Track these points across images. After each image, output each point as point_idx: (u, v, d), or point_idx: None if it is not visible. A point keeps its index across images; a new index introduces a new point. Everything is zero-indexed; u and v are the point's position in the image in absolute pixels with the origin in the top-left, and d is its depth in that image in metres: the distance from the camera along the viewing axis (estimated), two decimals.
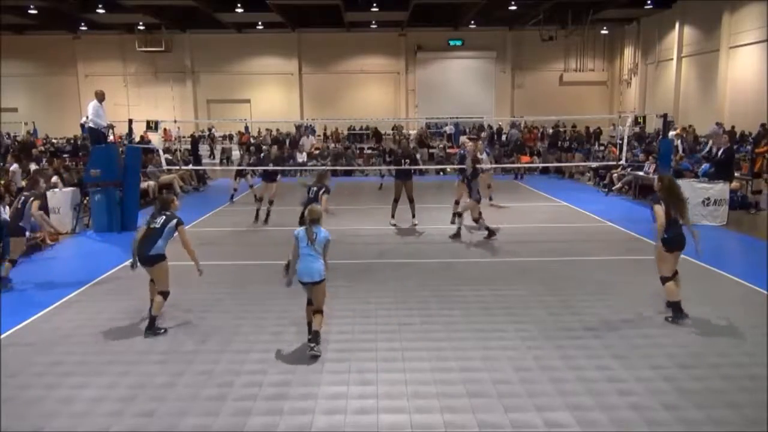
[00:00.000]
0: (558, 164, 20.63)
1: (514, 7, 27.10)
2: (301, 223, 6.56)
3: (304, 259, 5.58)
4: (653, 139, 20.51)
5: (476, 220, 10.52)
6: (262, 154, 14.38)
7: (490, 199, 13.71)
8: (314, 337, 5.61)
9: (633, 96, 31.77)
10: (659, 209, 6.24)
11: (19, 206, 7.97)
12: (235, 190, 14.92)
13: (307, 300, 5.79)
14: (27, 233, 8.11)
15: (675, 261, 6.36)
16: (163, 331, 6.24)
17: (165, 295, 6.40)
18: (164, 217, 6.40)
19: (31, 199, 7.88)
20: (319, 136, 28.56)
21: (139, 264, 6.43)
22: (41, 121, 31.57)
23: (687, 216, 6.29)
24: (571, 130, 26.59)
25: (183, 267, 9.13)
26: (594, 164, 18.53)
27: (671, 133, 20.56)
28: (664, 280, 6.36)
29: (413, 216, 11.82)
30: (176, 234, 6.44)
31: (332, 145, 26.48)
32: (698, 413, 4.48)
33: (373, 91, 34.20)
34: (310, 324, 5.75)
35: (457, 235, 10.67)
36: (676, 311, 6.31)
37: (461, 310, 6.84)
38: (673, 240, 6.24)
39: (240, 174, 14.47)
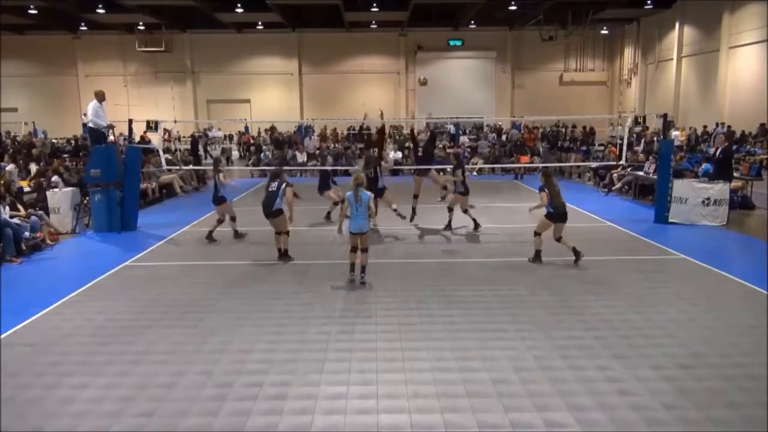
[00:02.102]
0: (558, 164, 20.64)
1: (514, 7, 27.11)
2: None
3: (355, 217, 7.68)
4: (653, 140, 20.53)
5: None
6: (261, 155, 14.16)
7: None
8: (362, 269, 7.83)
9: (633, 96, 31.78)
10: (544, 195, 8.73)
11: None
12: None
13: (351, 248, 7.86)
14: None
15: (557, 229, 8.81)
16: (293, 259, 9.10)
17: (287, 233, 9.15)
18: (277, 182, 8.93)
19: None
20: (318, 136, 28.50)
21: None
22: (41, 121, 31.54)
23: (560, 199, 8.78)
24: (570, 130, 26.57)
25: (184, 267, 9.17)
26: (594, 164, 18.53)
27: (675, 133, 20.63)
28: (536, 234, 8.97)
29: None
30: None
31: (332, 145, 26.45)
32: (698, 413, 4.48)
33: (373, 91, 34.20)
34: (352, 264, 7.86)
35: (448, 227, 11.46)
36: (536, 257, 8.95)
37: (461, 310, 6.84)
38: (555, 214, 8.75)
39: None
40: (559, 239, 8.88)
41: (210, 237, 10.66)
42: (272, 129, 28.67)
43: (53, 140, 27.99)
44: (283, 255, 9.14)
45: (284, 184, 8.95)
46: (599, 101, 33.98)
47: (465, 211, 11.40)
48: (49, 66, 33.52)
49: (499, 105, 33.65)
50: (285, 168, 14.38)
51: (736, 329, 6.17)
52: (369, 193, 7.82)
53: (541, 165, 21.00)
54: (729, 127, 21.49)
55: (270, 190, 8.93)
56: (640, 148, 13.69)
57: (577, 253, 8.78)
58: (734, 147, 17.52)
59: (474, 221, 11.40)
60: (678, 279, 8.15)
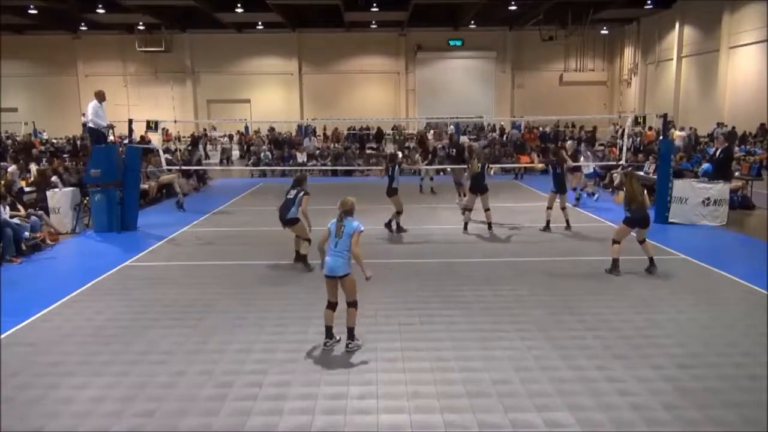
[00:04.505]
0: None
1: (514, 7, 27.11)
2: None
3: (330, 253, 5.71)
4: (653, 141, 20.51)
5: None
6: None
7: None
8: (349, 333, 5.73)
9: (633, 96, 31.79)
10: (621, 194, 8.49)
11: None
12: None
13: (327, 303, 5.78)
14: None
15: (639, 234, 8.37)
16: (312, 268, 8.32)
17: (309, 241, 8.53)
18: (296, 190, 8.59)
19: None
20: (318, 135, 28.55)
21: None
22: (41, 121, 31.57)
23: (642, 201, 8.19)
24: (570, 130, 26.55)
25: (184, 267, 9.17)
26: (594, 164, 18.49)
27: (680, 133, 20.61)
28: (614, 242, 8.41)
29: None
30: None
31: (332, 145, 26.48)
32: (698, 413, 4.48)
33: (373, 91, 34.20)
34: (328, 327, 5.80)
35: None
36: (613, 266, 8.29)
37: (461, 310, 6.84)
38: (631, 219, 8.27)
39: None
40: (642, 242, 8.40)
41: (400, 229, 11.06)
42: (270, 129, 28.72)
43: (54, 140, 28.03)
44: (299, 258, 8.73)
45: (302, 193, 8.56)
46: (599, 101, 33.99)
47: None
48: (49, 66, 33.53)
49: (499, 105, 33.66)
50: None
51: (736, 329, 6.17)
52: (357, 224, 5.71)
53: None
54: (734, 127, 21.46)
55: (288, 197, 8.62)
56: (623, 143, 13.63)
57: (651, 262, 8.30)
58: (735, 147, 17.53)
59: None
60: (678, 279, 8.14)
